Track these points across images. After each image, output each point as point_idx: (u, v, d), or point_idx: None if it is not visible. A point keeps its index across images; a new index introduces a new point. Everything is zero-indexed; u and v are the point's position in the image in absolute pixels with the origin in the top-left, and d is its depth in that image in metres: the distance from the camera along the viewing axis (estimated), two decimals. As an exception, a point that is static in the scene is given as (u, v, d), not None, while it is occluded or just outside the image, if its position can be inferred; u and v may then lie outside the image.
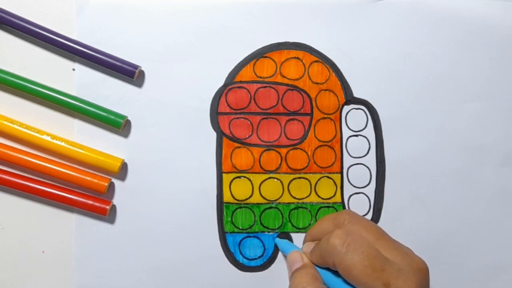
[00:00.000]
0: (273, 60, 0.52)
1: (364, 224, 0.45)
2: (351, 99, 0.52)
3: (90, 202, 0.51)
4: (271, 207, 0.53)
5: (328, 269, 0.45)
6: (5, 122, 0.51)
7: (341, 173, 0.53)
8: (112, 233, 0.52)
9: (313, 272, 0.45)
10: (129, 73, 0.51)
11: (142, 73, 0.52)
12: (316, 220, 0.53)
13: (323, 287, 0.44)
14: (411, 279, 0.41)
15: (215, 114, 0.52)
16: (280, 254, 0.53)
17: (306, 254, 0.47)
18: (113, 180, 0.52)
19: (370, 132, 0.53)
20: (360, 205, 0.53)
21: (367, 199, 0.53)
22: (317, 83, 0.52)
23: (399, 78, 0.52)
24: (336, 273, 0.43)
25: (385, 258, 0.42)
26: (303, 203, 0.53)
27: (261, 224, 0.53)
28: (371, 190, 0.53)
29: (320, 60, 0.52)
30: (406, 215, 0.53)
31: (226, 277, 0.52)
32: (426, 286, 0.42)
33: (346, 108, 0.52)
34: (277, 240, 0.53)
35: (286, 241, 0.52)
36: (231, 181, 0.52)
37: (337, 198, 0.53)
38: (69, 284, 0.52)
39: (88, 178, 0.51)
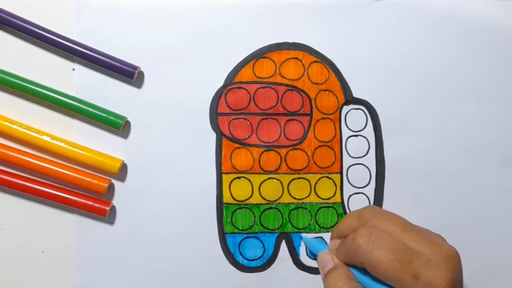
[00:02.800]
0: (273, 61, 0.52)
1: (389, 217, 0.45)
2: (350, 99, 0.52)
3: (90, 203, 0.51)
4: (271, 208, 0.53)
5: (355, 266, 0.45)
6: (5, 123, 0.51)
7: (341, 173, 0.53)
8: (111, 234, 0.52)
9: (346, 271, 0.45)
10: (128, 73, 0.51)
11: (141, 74, 0.52)
12: (316, 220, 0.53)
13: (358, 285, 0.43)
14: (441, 268, 0.41)
15: (214, 114, 0.52)
16: (280, 255, 0.53)
17: (333, 251, 0.47)
18: (113, 181, 0.52)
19: (369, 132, 0.53)
20: (360, 205, 0.53)
21: (367, 199, 0.53)
22: (317, 83, 0.52)
23: (399, 78, 0.52)
24: (364, 270, 0.43)
25: (413, 250, 0.42)
26: (303, 203, 0.53)
27: (261, 224, 0.53)
28: (370, 190, 0.53)
29: (320, 60, 0.52)
30: (406, 215, 0.52)
31: (226, 277, 0.52)
32: (458, 274, 0.42)
33: (345, 108, 0.52)
34: (305, 238, 0.52)
35: (314, 239, 0.52)
36: (231, 182, 0.52)
37: (337, 198, 0.53)
38: (69, 284, 0.52)
39: (88, 179, 0.51)
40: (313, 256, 0.53)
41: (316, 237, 0.53)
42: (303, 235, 0.53)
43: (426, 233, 0.45)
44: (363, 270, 0.44)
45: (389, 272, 0.41)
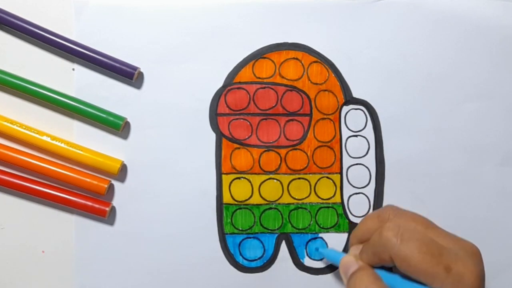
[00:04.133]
0: (272, 61, 0.52)
1: (410, 215, 0.45)
2: (350, 100, 0.52)
3: (90, 203, 0.51)
4: (270, 208, 0.53)
5: (381, 268, 0.44)
6: (5, 123, 0.51)
7: (341, 173, 0.53)
8: (111, 234, 0.52)
9: (372, 272, 0.44)
10: (128, 74, 0.51)
11: (141, 75, 0.52)
12: (316, 221, 0.53)
13: (385, 286, 0.42)
14: (469, 262, 0.40)
15: (214, 115, 0.52)
16: (280, 255, 0.53)
17: (356, 256, 0.46)
18: (113, 181, 0.52)
19: (369, 132, 0.53)
20: (359, 205, 0.53)
21: (367, 199, 0.53)
22: (316, 84, 0.52)
23: (399, 78, 0.52)
24: (390, 270, 0.43)
25: (440, 244, 0.41)
26: (302, 203, 0.53)
27: (261, 225, 0.53)
28: (370, 190, 0.53)
29: (319, 61, 0.52)
30: (405, 215, 0.53)
31: (226, 278, 0.52)
32: (483, 269, 0.42)
33: (345, 109, 0.52)
34: (321, 250, 0.52)
35: (331, 249, 0.52)
36: (231, 182, 0.52)
37: (337, 199, 0.53)
38: (69, 284, 0.52)
39: (88, 180, 0.51)
40: (317, 257, 0.53)
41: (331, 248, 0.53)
42: (320, 249, 0.53)
43: (448, 232, 0.45)
44: (389, 270, 0.43)
45: (421, 265, 0.40)
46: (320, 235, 0.53)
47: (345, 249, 0.53)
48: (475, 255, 0.42)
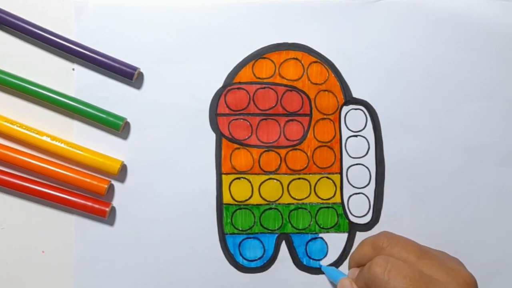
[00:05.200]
0: (272, 61, 0.52)
1: (403, 244, 0.46)
2: (350, 100, 0.52)
3: (90, 203, 0.51)
4: (270, 208, 0.53)
5: None
6: (5, 123, 0.51)
7: (341, 173, 0.53)
8: (111, 235, 0.52)
9: None
10: (128, 74, 0.51)
11: (141, 75, 0.52)
12: (316, 221, 0.53)
13: None
14: None
15: (214, 115, 0.52)
16: (280, 255, 0.53)
17: (353, 280, 0.47)
18: (113, 182, 0.52)
19: (369, 132, 0.53)
20: (359, 205, 0.53)
21: (367, 199, 0.53)
22: (316, 84, 0.52)
23: (398, 78, 0.52)
24: None
25: (430, 278, 0.42)
26: (302, 203, 0.53)
27: (261, 225, 0.53)
28: (370, 191, 0.53)
29: (319, 61, 0.52)
30: (405, 215, 0.53)
31: (226, 278, 0.52)
32: None
33: (345, 109, 0.52)
34: (324, 267, 0.52)
35: (333, 268, 0.52)
36: (231, 182, 0.52)
37: (337, 199, 0.53)
38: (69, 284, 0.52)
39: (88, 180, 0.51)
40: (317, 257, 0.53)
41: (332, 266, 0.53)
42: (322, 265, 0.53)
43: (443, 259, 0.45)
44: None
45: None
46: (320, 235, 0.53)
47: (345, 250, 0.53)
48: (467, 286, 0.42)
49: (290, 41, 0.52)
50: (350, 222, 0.53)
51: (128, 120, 0.52)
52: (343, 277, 0.49)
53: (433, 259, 0.44)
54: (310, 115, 0.52)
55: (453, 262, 0.45)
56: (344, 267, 0.53)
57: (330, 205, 0.53)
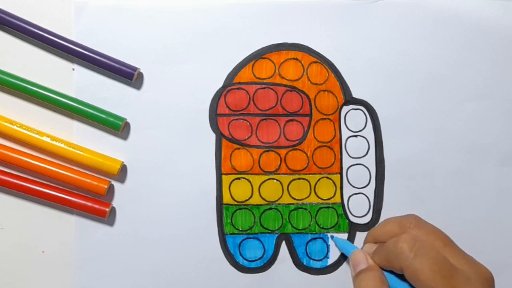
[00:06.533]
0: (272, 61, 0.52)
1: (431, 229, 0.45)
2: (350, 100, 0.52)
3: (90, 204, 0.51)
4: (270, 208, 0.53)
5: (391, 272, 0.45)
6: (5, 123, 0.51)
7: (341, 173, 0.53)
8: (111, 235, 0.52)
9: (380, 275, 0.45)
10: (127, 75, 0.51)
11: (140, 75, 0.52)
12: (316, 221, 0.53)
13: None
14: (478, 287, 0.41)
15: (214, 115, 0.52)
16: (280, 255, 0.53)
17: (368, 254, 0.47)
18: (113, 182, 0.52)
19: (369, 132, 0.53)
20: (359, 205, 0.53)
21: (367, 199, 0.53)
22: (316, 84, 0.52)
23: (398, 78, 0.52)
24: (400, 276, 0.43)
25: (453, 265, 0.42)
26: (302, 204, 0.53)
27: (261, 225, 0.53)
28: (370, 191, 0.53)
29: (319, 61, 0.52)
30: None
31: (226, 278, 0.52)
32: None
33: (345, 109, 0.52)
34: (336, 239, 0.52)
35: (344, 240, 0.52)
36: (231, 183, 0.52)
37: (337, 199, 0.53)
38: (69, 284, 0.52)
39: (88, 180, 0.51)
40: (317, 257, 0.53)
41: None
42: (334, 235, 0.53)
43: (465, 252, 0.45)
44: (399, 276, 0.44)
45: (429, 282, 0.41)
46: (320, 235, 0.53)
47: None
48: (487, 281, 0.42)
49: (290, 41, 0.52)
50: (350, 222, 0.53)
51: (128, 120, 0.52)
52: (357, 250, 0.48)
53: (457, 250, 0.44)
54: (310, 115, 0.52)
55: (473, 258, 0.45)
56: (344, 267, 0.53)
57: (330, 205, 0.53)
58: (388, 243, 0.45)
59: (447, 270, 0.41)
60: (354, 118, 0.52)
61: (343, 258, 0.53)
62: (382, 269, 0.45)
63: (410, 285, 0.42)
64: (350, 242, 0.52)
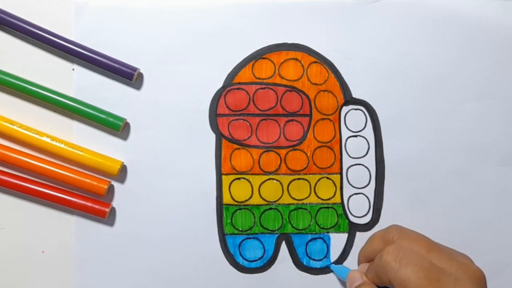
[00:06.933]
0: (272, 61, 0.52)
1: (413, 237, 0.46)
2: (350, 100, 0.52)
3: (90, 204, 0.51)
4: (270, 208, 0.53)
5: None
6: (5, 123, 0.51)
7: (341, 173, 0.53)
8: (111, 235, 0.52)
9: None
10: (127, 75, 0.51)
11: (140, 75, 0.52)
12: (316, 221, 0.53)
13: None
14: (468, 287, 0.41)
15: (214, 115, 0.52)
16: (280, 255, 0.53)
17: (363, 272, 0.48)
18: (113, 182, 0.52)
19: (369, 132, 0.53)
20: (359, 205, 0.53)
21: (367, 199, 0.53)
22: (316, 84, 0.52)
23: (398, 78, 0.52)
24: None
25: (440, 268, 0.42)
26: (302, 204, 0.53)
27: (261, 225, 0.53)
28: (370, 191, 0.53)
29: (319, 61, 0.52)
30: (405, 215, 0.53)
31: (226, 278, 0.52)
32: None
33: (345, 109, 0.52)
34: (332, 266, 0.53)
35: (341, 266, 0.52)
36: (231, 183, 0.52)
37: (337, 199, 0.53)
38: (69, 284, 0.52)
39: (88, 181, 0.51)
40: (317, 257, 0.53)
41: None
42: (331, 265, 0.53)
43: (453, 253, 0.45)
44: None
45: None
46: (320, 235, 0.53)
47: (345, 250, 0.53)
48: (479, 281, 0.42)
49: (290, 42, 0.52)
50: (350, 222, 0.53)
51: (128, 120, 0.52)
52: (352, 270, 0.49)
53: (443, 253, 0.44)
54: (310, 115, 0.52)
55: (462, 257, 0.45)
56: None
57: (330, 205, 0.53)
58: (375, 259, 0.45)
59: (434, 274, 0.41)
60: (354, 118, 0.52)
61: (343, 258, 0.53)
62: (377, 286, 0.46)
63: None
64: (346, 267, 0.52)
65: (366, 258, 0.49)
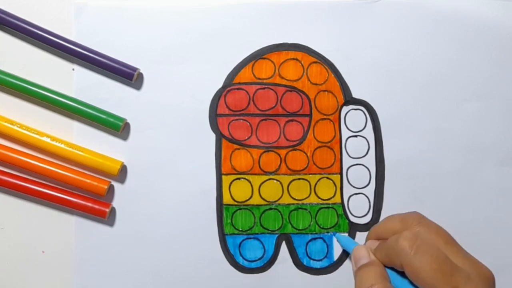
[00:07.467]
0: (272, 61, 0.52)
1: (434, 227, 0.45)
2: (350, 100, 0.52)
3: (90, 204, 0.51)
4: (270, 209, 0.53)
5: (393, 268, 0.44)
6: (5, 124, 0.51)
7: (341, 173, 0.53)
8: (111, 235, 0.52)
9: (381, 270, 0.44)
10: (127, 75, 0.51)
11: (140, 75, 0.52)
12: (316, 221, 0.53)
13: (391, 286, 0.43)
14: (479, 286, 0.41)
15: (214, 116, 0.52)
16: (280, 256, 0.53)
17: (370, 249, 0.47)
18: (113, 182, 0.52)
19: (369, 132, 0.53)
20: (359, 205, 0.53)
21: (367, 199, 0.53)
22: (316, 84, 0.52)
23: (398, 79, 0.52)
24: (401, 273, 0.43)
25: (454, 263, 0.41)
26: (302, 204, 0.53)
27: (261, 225, 0.53)
28: (370, 191, 0.53)
29: (319, 61, 0.52)
30: (405, 215, 0.53)
31: (226, 279, 0.52)
32: None
33: (345, 109, 0.52)
34: (338, 235, 0.52)
35: (347, 236, 0.52)
36: (231, 183, 0.52)
37: (337, 199, 0.53)
38: (68, 284, 0.52)
39: (88, 181, 0.51)
40: (317, 258, 0.53)
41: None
42: (336, 233, 0.53)
43: (466, 252, 0.45)
44: (400, 273, 0.44)
45: (429, 280, 0.40)
46: (320, 235, 0.53)
47: (345, 250, 0.53)
48: (488, 281, 0.42)
49: (290, 42, 0.52)
50: (350, 222, 0.53)
51: (128, 120, 0.52)
52: (359, 245, 0.48)
53: (459, 249, 0.44)
54: (310, 115, 0.52)
55: (474, 258, 0.45)
56: (344, 267, 0.53)
57: (330, 205, 0.53)
58: (390, 240, 0.44)
59: (448, 268, 0.41)
60: (354, 118, 0.52)
61: (343, 258, 0.53)
62: (384, 265, 0.46)
63: (411, 282, 0.42)
64: (352, 239, 0.52)
65: (378, 235, 0.48)
